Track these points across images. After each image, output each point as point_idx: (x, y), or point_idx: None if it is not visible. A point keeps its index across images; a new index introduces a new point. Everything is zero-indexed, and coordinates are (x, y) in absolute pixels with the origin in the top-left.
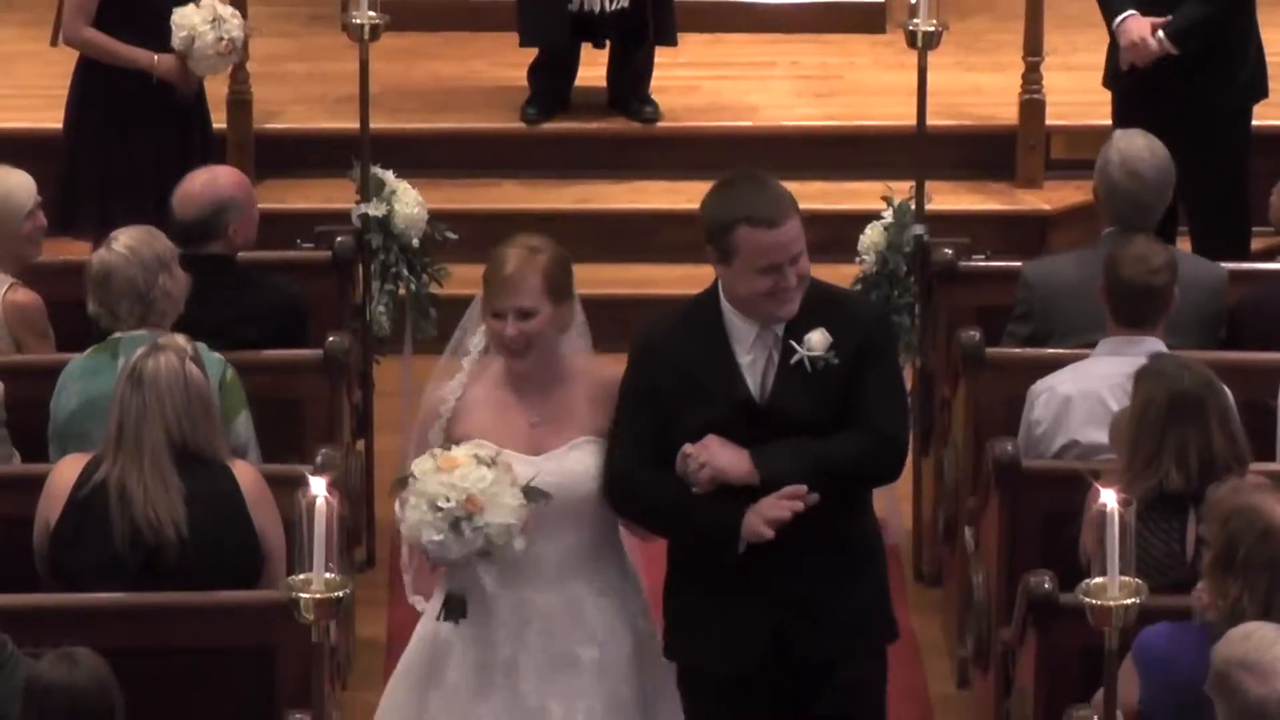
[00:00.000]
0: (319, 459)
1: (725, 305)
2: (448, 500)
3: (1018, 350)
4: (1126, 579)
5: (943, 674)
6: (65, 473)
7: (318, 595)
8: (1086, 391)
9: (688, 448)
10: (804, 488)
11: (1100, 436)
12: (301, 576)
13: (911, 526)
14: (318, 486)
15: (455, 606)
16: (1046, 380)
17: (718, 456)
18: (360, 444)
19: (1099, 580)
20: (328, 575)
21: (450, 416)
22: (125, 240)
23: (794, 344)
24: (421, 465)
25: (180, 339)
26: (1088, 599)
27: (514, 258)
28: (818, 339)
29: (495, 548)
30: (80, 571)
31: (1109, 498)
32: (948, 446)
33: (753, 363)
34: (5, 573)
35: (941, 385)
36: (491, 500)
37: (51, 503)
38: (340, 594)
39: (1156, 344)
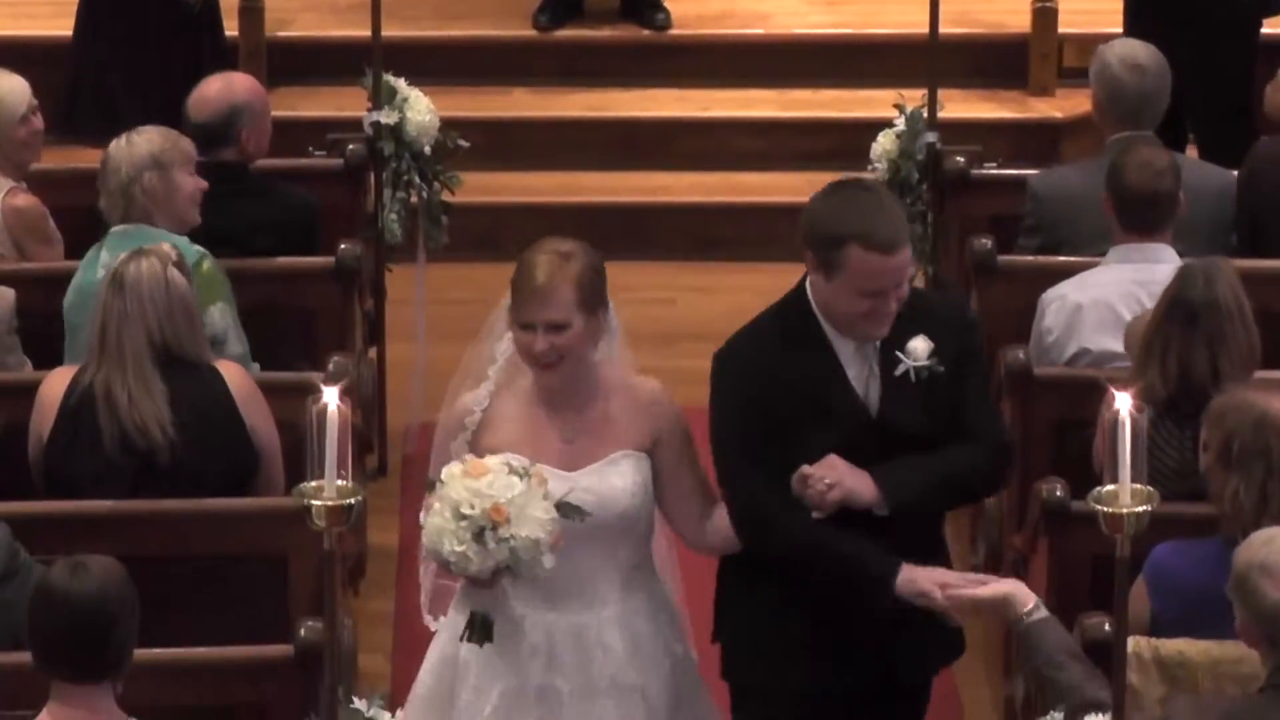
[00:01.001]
0: (331, 367)
1: (820, 318)
2: (472, 507)
3: (1029, 259)
4: (1139, 486)
5: None
6: (54, 384)
7: (330, 502)
8: (1097, 299)
9: (806, 469)
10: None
11: (1111, 344)
12: (314, 484)
13: None
14: (329, 394)
15: (480, 628)
16: (1057, 288)
17: (846, 478)
18: (372, 352)
19: (1111, 487)
20: (340, 483)
21: (475, 429)
22: (135, 135)
23: (899, 354)
24: (449, 470)
25: (166, 245)
26: (1100, 506)
27: (544, 265)
28: (920, 347)
29: (520, 563)
30: (75, 481)
31: (1122, 403)
32: None
33: (856, 377)
34: (21, 479)
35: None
36: (519, 511)
37: (42, 415)
38: (352, 501)
39: (1167, 250)
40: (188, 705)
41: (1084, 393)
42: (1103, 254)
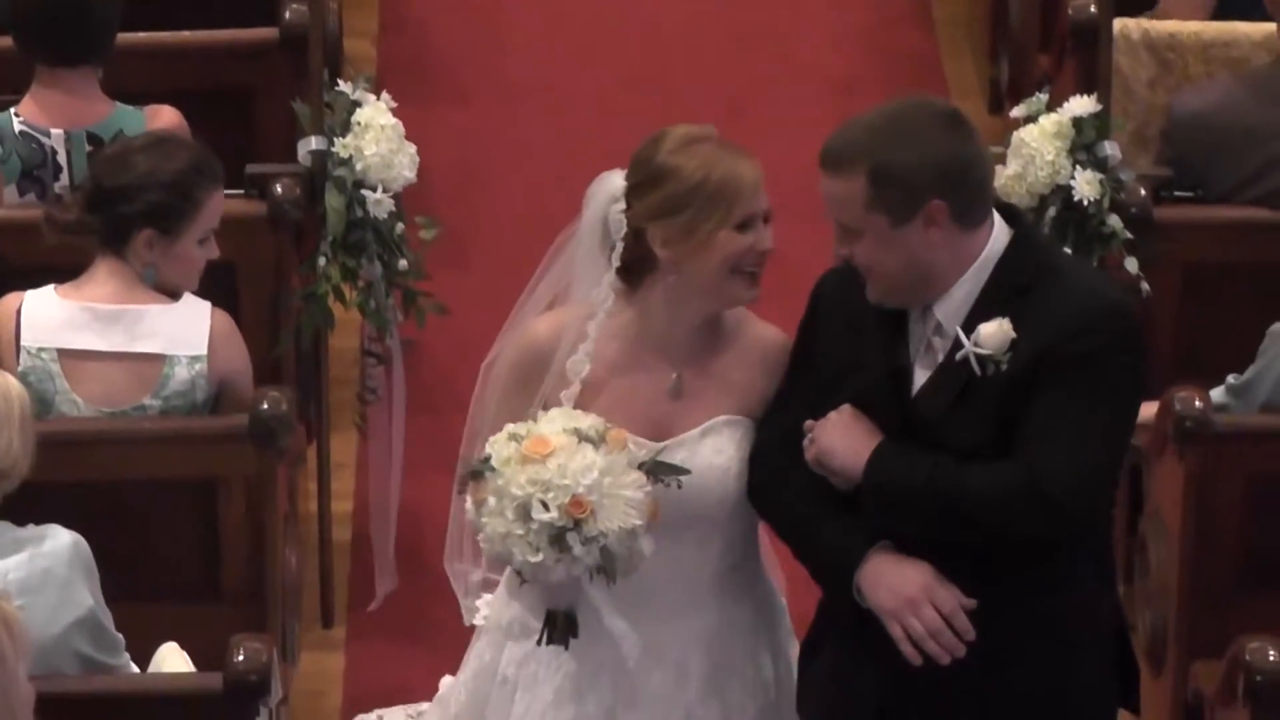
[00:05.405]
0: None
1: None
2: (545, 507)
3: None
4: None
5: (976, 111)
6: None
7: None
8: None
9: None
10: (971, 602)
11: None
12: None
13: None
14: None
15: (562, 626)
16: None
17: (831, 433)
18: None
19: None
20: None
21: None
22: None
23: (960, 334)
24: (498, 450)
25: None
26: None
27: (747, 164)
28: (992, 332)
29: (616, 560)
30: None
31: None
32: None
33: (918, 346)
34: None
35: None
36: (606, 497)
37: None
38: None
39: None
40: (173, 89)
41: None
42: None
